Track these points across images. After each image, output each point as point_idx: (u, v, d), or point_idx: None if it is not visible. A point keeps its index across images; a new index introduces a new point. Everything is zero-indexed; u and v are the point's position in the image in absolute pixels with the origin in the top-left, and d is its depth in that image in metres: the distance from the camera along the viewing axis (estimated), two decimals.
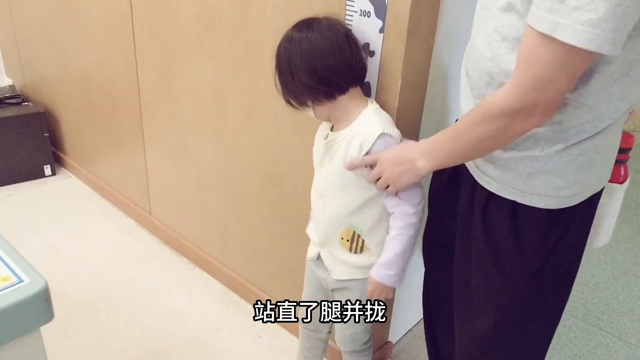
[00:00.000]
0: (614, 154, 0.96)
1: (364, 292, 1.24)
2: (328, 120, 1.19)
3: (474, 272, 1.07)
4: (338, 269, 1.26)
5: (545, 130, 0.87)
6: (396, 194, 1.13)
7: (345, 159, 1.14)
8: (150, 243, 2.27)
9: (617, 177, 1.02)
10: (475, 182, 1.03)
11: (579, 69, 0.75)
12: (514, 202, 0.95)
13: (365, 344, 1.35)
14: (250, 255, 1.86)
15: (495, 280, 1.02)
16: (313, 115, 1.18)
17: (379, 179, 1.10)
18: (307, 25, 1.11)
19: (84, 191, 2.66)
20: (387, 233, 1.19)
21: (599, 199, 0.99)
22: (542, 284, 1.00)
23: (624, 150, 1.00)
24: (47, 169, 2.74)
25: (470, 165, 1.03)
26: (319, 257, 1.30)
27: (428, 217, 1.28)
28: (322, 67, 1.08)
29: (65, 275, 2.04)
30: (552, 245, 0.96)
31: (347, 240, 1.22)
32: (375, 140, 1.10)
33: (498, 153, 0.94)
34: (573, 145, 0.88)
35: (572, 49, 0.71)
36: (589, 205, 0.97)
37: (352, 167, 1.13)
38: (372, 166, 1.11)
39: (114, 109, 2.26)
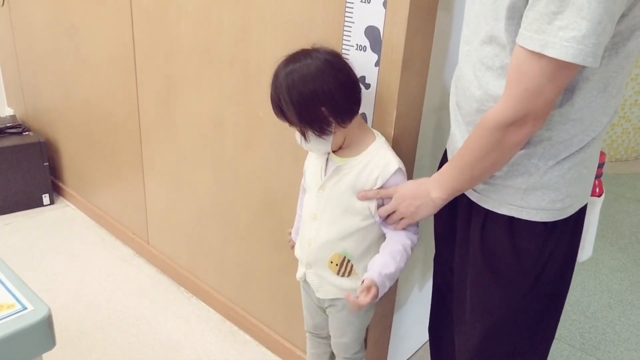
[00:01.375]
0: (595, 168, 1.03)
1: (349, 309, 1.27)
2: (339, 147, 1.20)
3: (472, 288, 1.10)
4: (324, 288, 1.29)
5: (538, 147, 0.94)
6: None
7: (354, 186, 1.17)
8: (148, 272, 2.27)
9: (593, 191, 1.09)
10: (470, 202, 1.07)
11: (565, 81, 0.84)
12: (511, 217, 1.00)
13: (357, 352, 1.39)
14: (248, 284, 1.87)
15: (493, 294, 1.06)
16: (324, 149, 1.17)
17: (390, 214, 1.14)
18: (306, 52, 1.12)
19: (81, 220, 2.67)
20: None
21: (585, 212, 1.05)
22: (538, 295, 1.04)
23: (598, 165, 1.07)
24: (46, 198, 2.76)
25: None
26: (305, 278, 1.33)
27: (435, 241, 1.31)
28: (346, 79, 1.11)
29: (62, 304, 2.03)
30: (548, 256, 1.01)
31: (336, 265, 1.24)
32: (392, 175, 1.14)
33: (494, 176, 0.99)
34: (563, 159, 0.94)
35: (560, 63, 0.79)
36: (578, 217, 1.03)
37: (365, 199, 1.15)
38: (384, 200, 1.15)
39: (114, 139, 2.29)
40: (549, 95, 0.84)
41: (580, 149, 0.94)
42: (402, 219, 1.13)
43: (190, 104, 1.81)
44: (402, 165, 1.17)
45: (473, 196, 1.06)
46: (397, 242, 1.16)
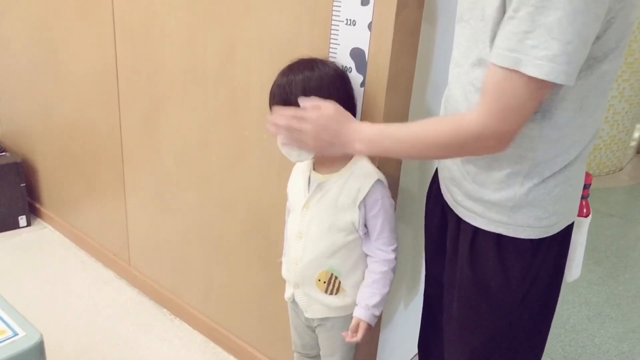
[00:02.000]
0: (581, 187, 1.05)
1: (339, 328, 1.29)
2: (321, 161, 1.22)
3: (461, 303, 1.11)
4: (313, 307, 1.29)
5: (523, 166, 0.97)
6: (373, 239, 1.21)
7: (337, 201, 1.19)
8: (130, 294, 2.23)
9: (581, 211, 1.10)
10: (459, 219, 1.09)
11: (541, 99, 0.86)
12: (499, 234, 1.02)
13: None
14: (233, 305, 1.85)
15: (482, 310, 1.07)
16: (306, 157, 1.17)
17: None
18: (322, 62, 1.17)
19: (60, 242, 2.62)
20: (363, 275, 1.24)
21: (572, 230, 1.07)
22: (526, 311, 1.06)
23: (585, 186, 1.09)
24: (22, 220, 2.70)
25: (453, 205, 1.10)
26: (294, 298, 1.33)
27: (426, 257, 1.33)
28: (351, 94, 1.17)
29: (41, 329, 1.97)
30: (535, 273, 1.03)
31: (324, 282, 1.25)
32: (372, 186, 1.17)
33: (482, 194, 1.02)
34: (548, 178, 0.97)
35: (533, 80, 0.81)
36: (565, 235, 1.05)
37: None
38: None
39: (95, 159, 2.26)
40: (528, 112, 0.86)
41: (564, 167, 0.97)
42: (297, 137, 1.03)
43: (175, 123, 1.81)
44: (381, 177, 1.20)
45: (461, 213, 1.08)
46: (376, 271, 1.21)
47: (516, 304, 1.05)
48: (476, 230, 1.05)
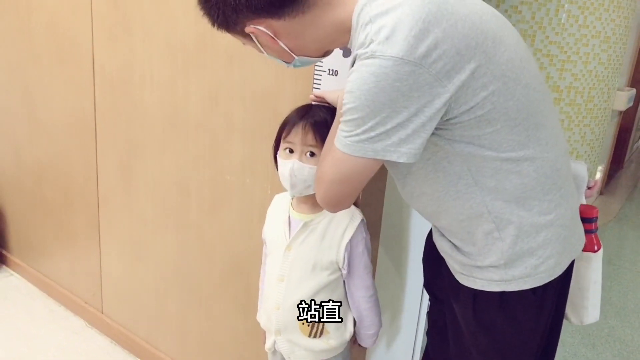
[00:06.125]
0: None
1: None
2: (304, 199, 1.22)
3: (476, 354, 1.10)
4: (296, 354, 1.27)
5: (489, 224, 0.96)
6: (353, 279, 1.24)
7: (323, 238, 1.20)
8: (101, 343, 2.15)
9: (591, 247, 1.07)
10: (458, 283, 1.07)
11: (365, 174, 0.91)
12: (501, 292, 1.00)
13: None
14: (212, 353, 1.80)
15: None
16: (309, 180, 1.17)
17: None
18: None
19: (27, 290, 2.51)
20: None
21: (572, 266, 1.06)
22: (533, 350, 1.07)
23: (590, 220, 1.06)
24: None
25: (454, 272, 1.08)
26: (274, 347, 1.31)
27: (429, 303, 1.34)
28: None
29: None
30: (545, 318, 1.03)
31: (308, 325, 1.24)
32: (358, 225, 1.20)
33: (473, 262, 1.01)
34: (526, 226, 0.95)
35: (344, 155, 0.88)
36: (567, 271, 1.03)
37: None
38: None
39: (68, 204, 2.22)
40: (352, 185, 0.93)
41: (553, 212, 0.96)
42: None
43: (153, 168, 1.80)
44: (363, 217, 1.24)
45: (460, 277, 1.06)
46: (365, 307, 1.24)
47: (533, 347, 1.05)
48: (476, 293, 1.03)
